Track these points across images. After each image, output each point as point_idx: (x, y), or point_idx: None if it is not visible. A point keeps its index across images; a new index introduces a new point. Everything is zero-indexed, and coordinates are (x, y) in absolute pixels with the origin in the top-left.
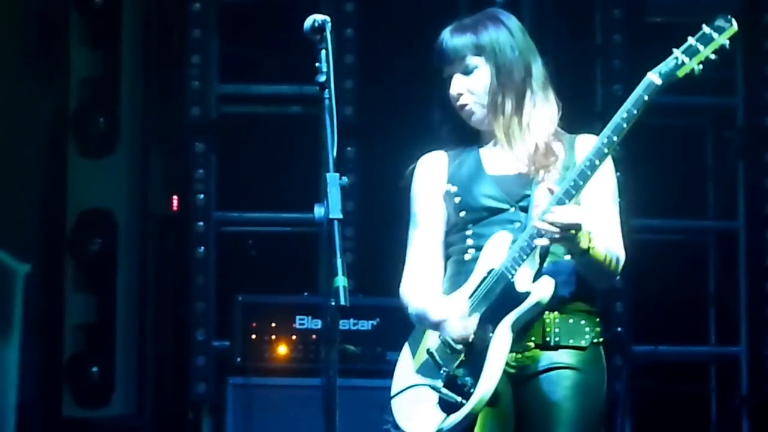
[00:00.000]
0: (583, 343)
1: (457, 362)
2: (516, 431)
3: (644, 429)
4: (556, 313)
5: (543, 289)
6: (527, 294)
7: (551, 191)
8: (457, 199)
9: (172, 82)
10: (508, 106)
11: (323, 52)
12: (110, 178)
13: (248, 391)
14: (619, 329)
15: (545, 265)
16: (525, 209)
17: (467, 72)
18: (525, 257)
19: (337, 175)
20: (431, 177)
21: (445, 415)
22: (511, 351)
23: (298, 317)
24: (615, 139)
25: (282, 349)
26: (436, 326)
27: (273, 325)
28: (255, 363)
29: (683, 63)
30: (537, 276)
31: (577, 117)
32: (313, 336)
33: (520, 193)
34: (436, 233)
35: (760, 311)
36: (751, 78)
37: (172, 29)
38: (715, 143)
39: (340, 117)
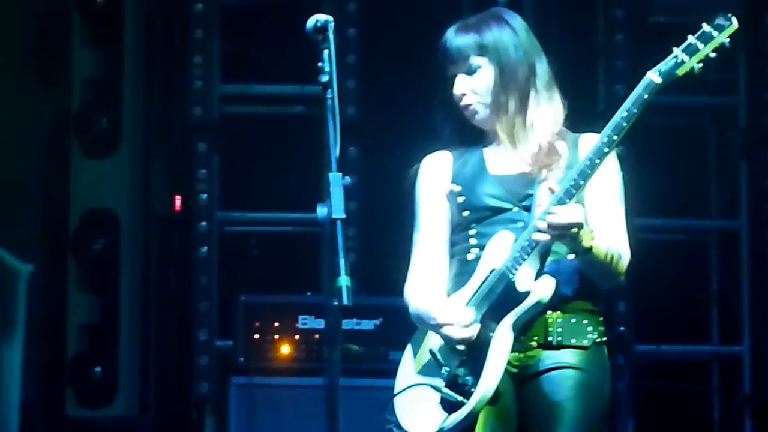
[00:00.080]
0: (585, 343)
1: (459, 362)
2: (519, 431)
3: (647, 428)
4: (558, 312)
5: (543, 289)
6: (527, 293)
7: (552, 191)
8: (460, 199)
9: (175, 82)
10: (512, 105)
11: (325, 52)
12: (113, 178)
13: (251, 390)
14: (622, 328)
15: (548, 264)
16: (528, 208)
17: (470, 72)
18: (526, 257)
19: (340, 174)
20: (435, 177)
21: (446, 414)
22: (514, 350)
23: (300, 317)
24: (615, 138)
25: (285, 349)
26: (437, 329)
27: (276, 324)
28: (258, 363)
29: (683, 62)
30: (538, 275)
31: (580, 117)
32: (316, 336)
33: (523, 192)
34: (440, 233)
35: (763, 310)
36: (754, 77)
37: (174, 29)
38: (717, 143)
39: (343, 117)
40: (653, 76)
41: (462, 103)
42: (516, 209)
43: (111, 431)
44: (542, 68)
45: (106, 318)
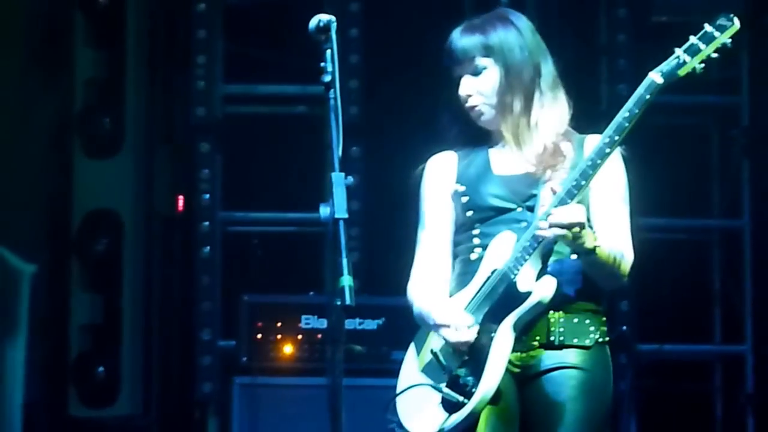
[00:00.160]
0: (587, 343)
1: (460, 362)
2: (521, 431)
3: (649, 427)
4: (560, 312)
5: (544, 289)
6: (529, 293)
7: (554, 191)
8: (464, 199)
9: (177, 83)
10: (517, 106)
11: (328, 51)
12: (116, 178)
13: (254, 390)
14: (624, 328)
15: (551, 264)
16: (531, 209)
17: (476, 73)
18: (528, 257)
19: (343, 174)
20: (440, 177)
21: (447, 414)
22: (516, 350)
23: (303, 317)
24: (617, 138)
25: (288, 349)
26: (437, 329)
27: (279, 324)
28: (261, 362)
29: (685, 62)
30: (540, 276)
31: (582, 116)
32: (319, 335)
33: (526, 192)
34: (443, 233)
35: (766, 310)
36: (756, 77)
37: (176, 29)
38: (720, 142)
39: (345, 117)
40: (655, 76)
41: (467, 104)
42: (519, 209)
43: (114, 431)
44: (547, 69)
45: (109, 318)
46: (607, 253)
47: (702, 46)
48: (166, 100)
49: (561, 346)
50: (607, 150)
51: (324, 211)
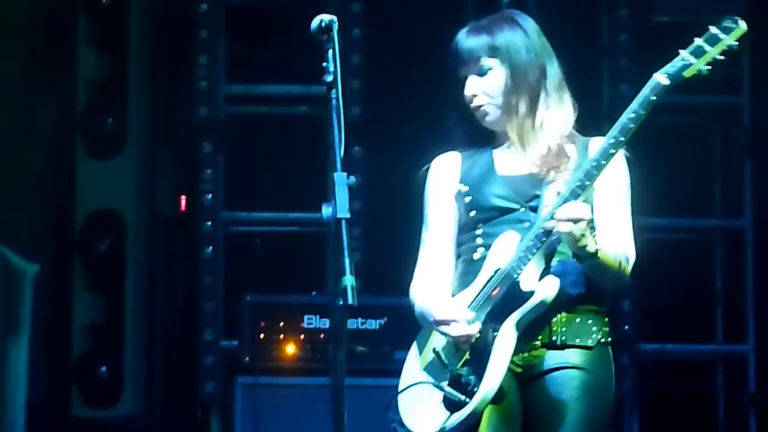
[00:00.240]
0: (589, 343)
1: (462, 361)
2: (524, 431)
3: (651, 427)
4: (563, 312)
5: (547, 288)
6: (531, 293)
7: (559, 193)
8: (467, 199)
9: (180, 83)
10: (522, 107)
11: (330, 52)
12: (118, 178)
13: (257, 390)
14: (627, 328)
15: (554, 264)
16: (535, 209)
17: (482, 73)
18: (531, 256)
19: (345, 174)
20: (444, 177)
21: (448, 413)
22: (518, 350)
23: (306, 317)
24: (622, 139)
25: (290, 349)
26: (438, 325)
27: (281, 324)
28: (263, 362)
29: (690, 63)
30: (543, 275)
31: (584, 117)
32: (321, 335)
33: (530, 193)
34: (447, 234)
35: None
36: (757, 76)
37: (179, 30)
38: (721, 141)
39: (347, 117)
40: (660, 77)
41: (473, 105)
42: (523, 210)
43: (116, 431)
44: (553, 70)
45: (112, 318)
46: (609, 257)
47: (707, 48)
48: (169, 100)
49: (563, 346)
50: (612, 151)
51: (326, 211)
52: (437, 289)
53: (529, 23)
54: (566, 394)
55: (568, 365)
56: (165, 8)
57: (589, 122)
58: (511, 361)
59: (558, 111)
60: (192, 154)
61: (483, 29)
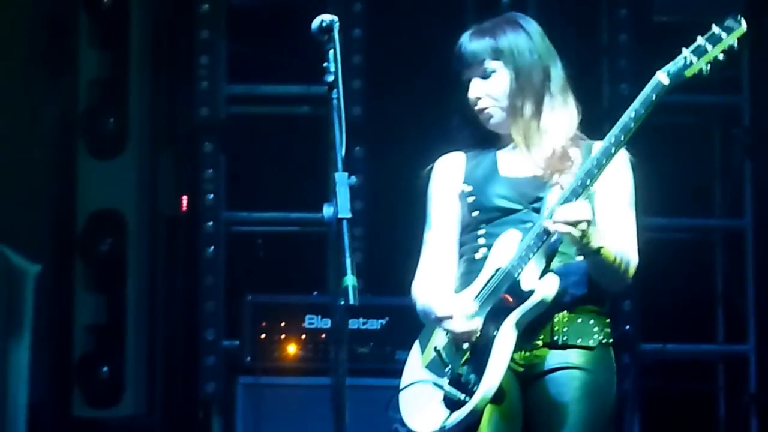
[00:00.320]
0: (591, 343)
1: (463, 360)
2: (524, 430)
3: (652, 427)
4: (564, 312)
5: (547, 287)
6: (532, 292)
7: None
8: (470, 199)
9: (181, 83)
10: (527, 109)
11: (331, 52)
12: (120, 178)
13: (258, 390)
14: (627, 327)
15: (557, 266)
16: (538, 210)
17: (486, 76)
18: (532, 255)
19: (346, 174)
20: (447, 177)
21: (449, 412)
22: (520, 349)
23: (307, 317)
24: (623, 138)
25: (291, 349)
26: (440, 322)
27: (282, 324)
28: (264, 362)
29: (691, 63)
30: (543, 274)
31: (585, 116)
32: (323, 335)
33: (533, 194)
34: (449, 233)
35: None
36: (757, 76)
37: (180, 30)
38: (721, 142)
39: (348, 117)
40: (662, 77)
41: (477, 107)
42: (525, 210)
43: (118, 431)
44: (557, 72)
45: (113, 318)
46: (613, 255)
47: (709, 47)
48: (170, 100)
49: (565, 346)
50: (613, 150)
51: (327, 211)
52: (440, 287)
53: (533, 26)
54: (567, 395)
55: (569, 365)
56: (166, 8)
57: (590, 122)
58: (513, 361)
59: (562, 113)
60: (193, 154)
61: (486, 32)
